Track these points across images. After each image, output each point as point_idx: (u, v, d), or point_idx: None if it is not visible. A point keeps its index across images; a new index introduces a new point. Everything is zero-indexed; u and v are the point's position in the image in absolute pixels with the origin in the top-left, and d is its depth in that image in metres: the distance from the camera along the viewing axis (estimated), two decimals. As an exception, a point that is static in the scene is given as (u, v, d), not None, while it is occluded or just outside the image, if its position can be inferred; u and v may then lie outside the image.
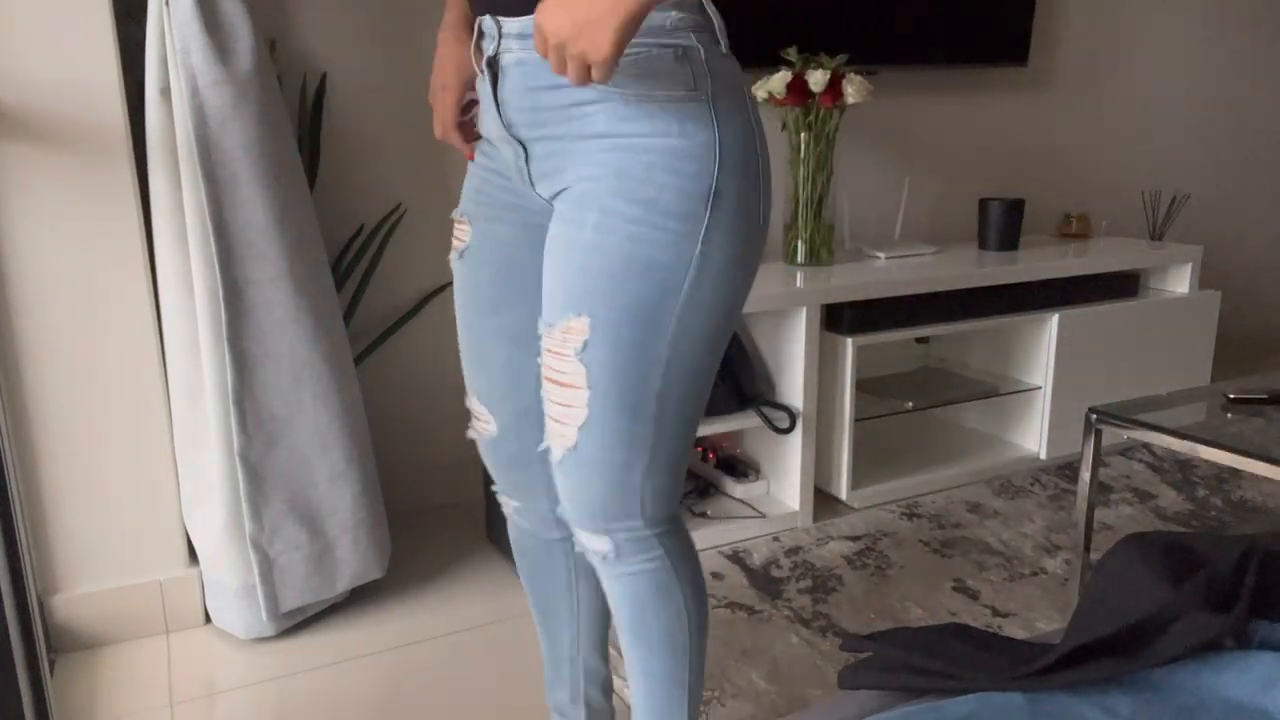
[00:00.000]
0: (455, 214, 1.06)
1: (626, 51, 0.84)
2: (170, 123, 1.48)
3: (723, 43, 0.88)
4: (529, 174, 0.95)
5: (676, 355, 0.88)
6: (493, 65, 0.93)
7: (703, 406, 0.95)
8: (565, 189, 0.91)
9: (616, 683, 1.45)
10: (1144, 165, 3.07)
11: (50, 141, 1.45)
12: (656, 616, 0.99)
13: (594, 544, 0.96)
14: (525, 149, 0.93)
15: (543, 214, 0.99)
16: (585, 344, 0.87)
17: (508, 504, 1.15)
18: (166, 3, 1.43)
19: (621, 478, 0.92)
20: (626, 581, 0.97)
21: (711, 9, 0.89)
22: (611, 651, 1.43)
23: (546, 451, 1.09)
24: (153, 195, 1.52)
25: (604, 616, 1.21)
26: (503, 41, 0.91)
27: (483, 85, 0.95)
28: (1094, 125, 2.93)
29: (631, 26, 0.74)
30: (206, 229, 1.48)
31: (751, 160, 0.88)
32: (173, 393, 1.58)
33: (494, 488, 1.16)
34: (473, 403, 1.10)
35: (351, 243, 1.96)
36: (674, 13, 0.85)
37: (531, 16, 0.87)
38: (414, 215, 2.06)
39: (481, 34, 0.94)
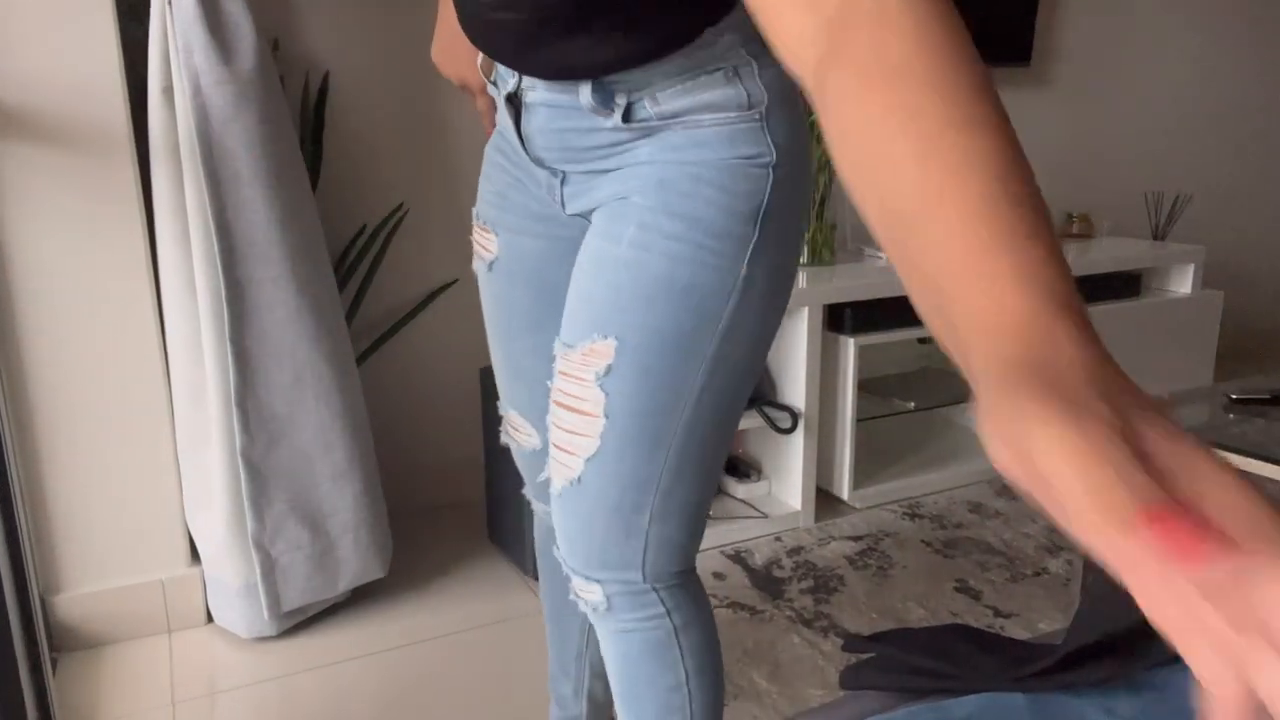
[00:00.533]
0: (476, 218, 0.98)
1: (670, 83, 0.76)
2: (173, 122, 1.48)
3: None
4: (561, 195, 0.87)
5: (708, 390, 0.78)
6: (513, 100, 0.84)
7: (726, 451, 0.85)
8: (601, 204, 0.83)
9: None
10: (1146, 165, 3.06)
11: (53, 142, 1.45)
12: (651, 686, 0.88)
13: (585, 592, 0.87)
14: (560, 172, 0.85)
15: (574, 226, 0.91)
16: (608, 369, 0.78)
17: (540, 508, 1.11)
18: (169, 2, 1.43)
19: (627, 521, 0.81)
20: (618, 640, 0.88)
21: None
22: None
23: (546, 482, 1.04)
24: (155, 195, 1.52)
25: None
26: (524, 79, 0.82)
27: (501, 112, 0.87)
28: (1096, 125, 2.93)
29: None
30: (209, 228, 1.48)
31: (801, 173, 0.79)
32: (175, 392, 1.58)
33: (525, 491, 1.11)
34: (510, 414, 1.03)
35: (354, 242, 1.96)
36: (726, 35, 0.75)
37: (567, 84, 0.78)
38: (416, 215, 2.06)
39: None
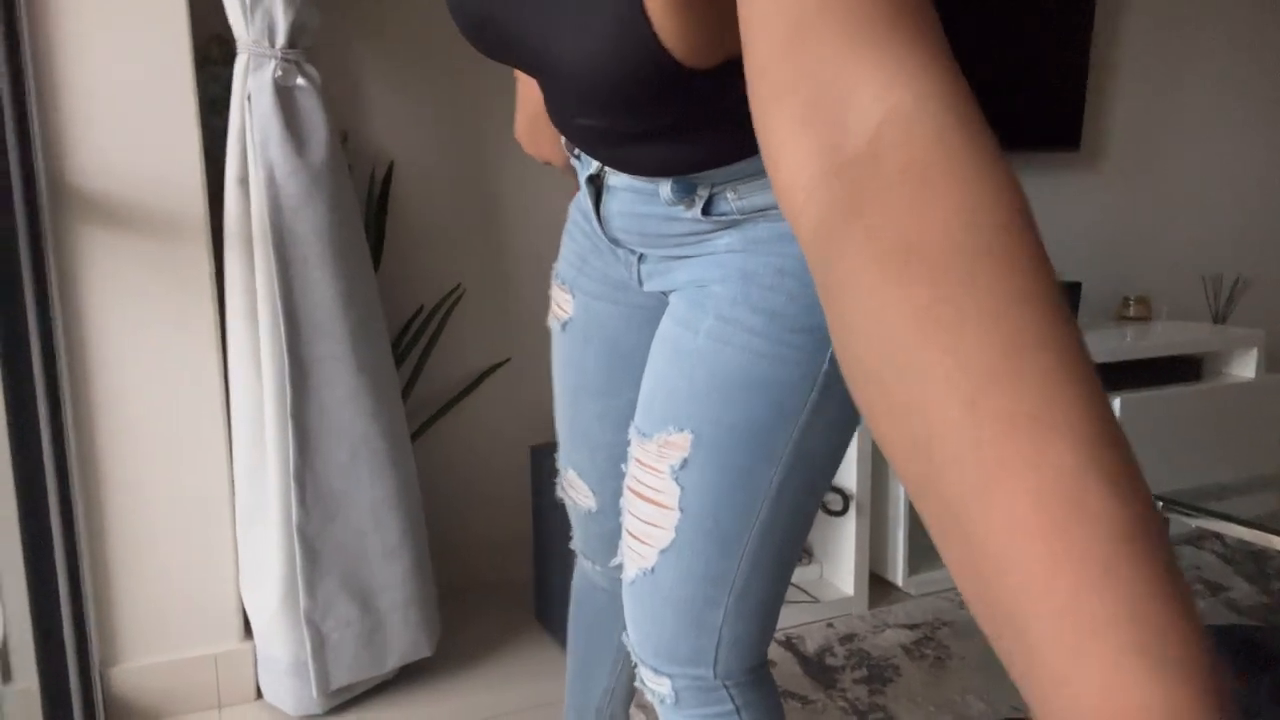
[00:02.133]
0: (555, 275, 0.98)
1: (754, 178, 0.74)
2: (247, 209, 1.56)
3: None
4: (639, 274, 0.87)
5: (787, 486, 0.76)
6: (595, 181, 0.84)
7: (802, 543, 0.81)
8: (679, 288, 0.82)
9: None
10: (1203, 247, 3.03)
11: (134, 228, 1.53)
12: None
13: (654, 683, 0.85)
14: (637, 254, 0.86)
15: (652, 297, 0.90)
16: (684, 462, 0.76)
17: (586, 563, 1.10)
18: (248, 98, 1.52)
19: (699, 616, 0.79)
20: None
21: None
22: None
23: (618, 568, 1.03)
24: (227, 277, 1.59)
25: None
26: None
27: (581, 190, 0.88)
28: (1149, 208, 2.92)
29: None
30: (276, 309, 1.54)
31: None
32: (236, 468, 1.62)
33: (573, 545, 1.10)
34: (568, 473, 1.03)
35: (412, 321, 2.01)
36: None
37: (659, 180, 0.77)
38: (472, 296, 2.11)
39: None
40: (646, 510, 0.79)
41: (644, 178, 0.79)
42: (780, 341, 0.73)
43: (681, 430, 0.76)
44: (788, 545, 0.79)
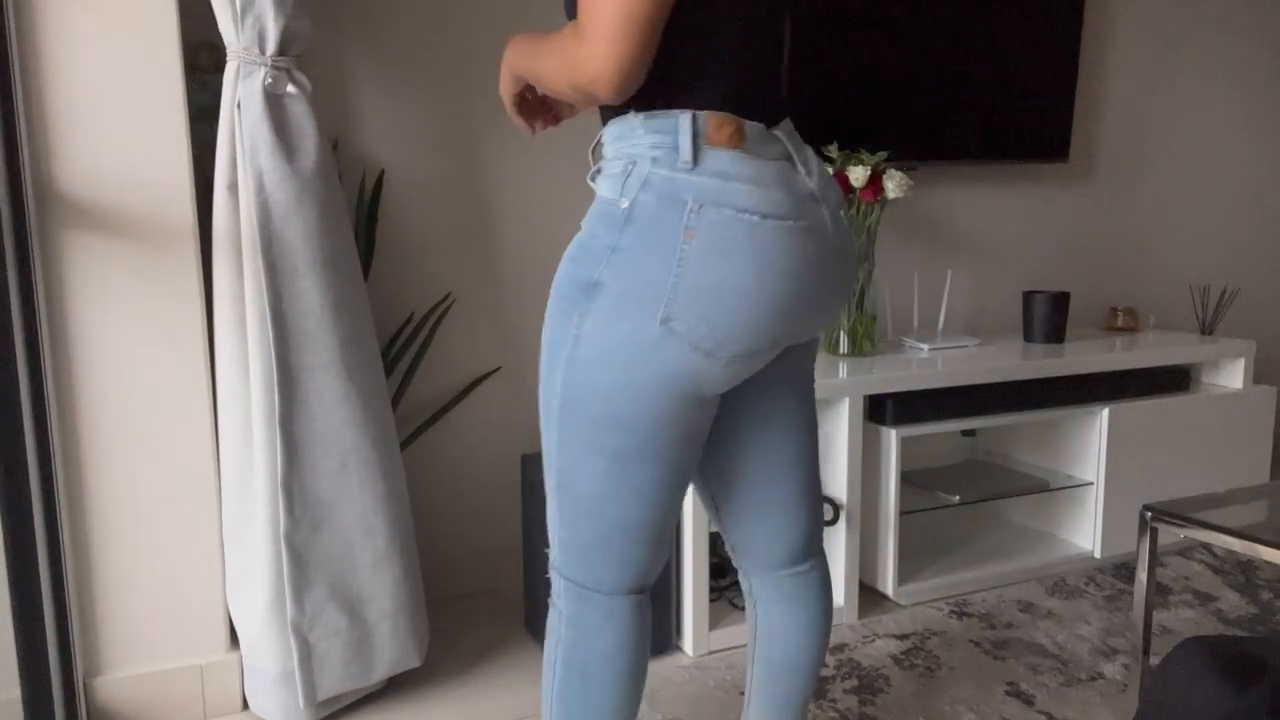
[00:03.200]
0: None
1: (607, 164, 0.98)
2: (236, 216, 1.55)
3: (683, 155, 0.89)
4: None
5: (564, 420, 0.98)
6: None
7: (604, 501, 0.98)
8: None
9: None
10: (1191, 258, 3.05)
11: (122, 234, 1.52)
12: (547, 651, 1.07)
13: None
14: None
15: None
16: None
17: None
18: (238, 105, 1.52)
19: (549, 507, 1.04)
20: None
21: (686, 121, 0.89)
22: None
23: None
24: (215, 284, 1.58)
25: (782, 683, 1.19)
26: None
27: None
28: (1138, 220, 2.94)
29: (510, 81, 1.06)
30: (265, 317, 1.53)
31: (661, 274, 0.89)
32: (224, 476, 1.61)
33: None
34: None
35: (402, 330, 2.01)
36: (642, 127, 0.92)
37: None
38: (462, 304, 2.11)
39: None
40: None
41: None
42: (554, 305, 0.98)
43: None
44: (576, 482, 0.99)
